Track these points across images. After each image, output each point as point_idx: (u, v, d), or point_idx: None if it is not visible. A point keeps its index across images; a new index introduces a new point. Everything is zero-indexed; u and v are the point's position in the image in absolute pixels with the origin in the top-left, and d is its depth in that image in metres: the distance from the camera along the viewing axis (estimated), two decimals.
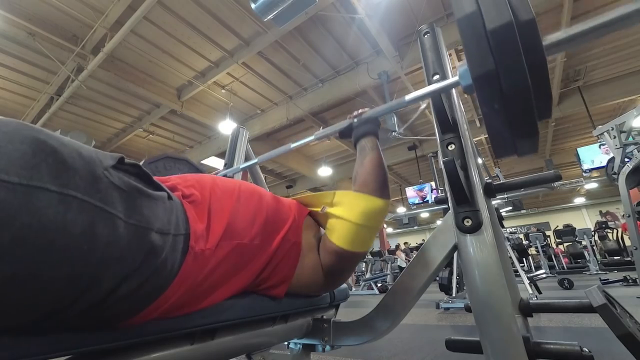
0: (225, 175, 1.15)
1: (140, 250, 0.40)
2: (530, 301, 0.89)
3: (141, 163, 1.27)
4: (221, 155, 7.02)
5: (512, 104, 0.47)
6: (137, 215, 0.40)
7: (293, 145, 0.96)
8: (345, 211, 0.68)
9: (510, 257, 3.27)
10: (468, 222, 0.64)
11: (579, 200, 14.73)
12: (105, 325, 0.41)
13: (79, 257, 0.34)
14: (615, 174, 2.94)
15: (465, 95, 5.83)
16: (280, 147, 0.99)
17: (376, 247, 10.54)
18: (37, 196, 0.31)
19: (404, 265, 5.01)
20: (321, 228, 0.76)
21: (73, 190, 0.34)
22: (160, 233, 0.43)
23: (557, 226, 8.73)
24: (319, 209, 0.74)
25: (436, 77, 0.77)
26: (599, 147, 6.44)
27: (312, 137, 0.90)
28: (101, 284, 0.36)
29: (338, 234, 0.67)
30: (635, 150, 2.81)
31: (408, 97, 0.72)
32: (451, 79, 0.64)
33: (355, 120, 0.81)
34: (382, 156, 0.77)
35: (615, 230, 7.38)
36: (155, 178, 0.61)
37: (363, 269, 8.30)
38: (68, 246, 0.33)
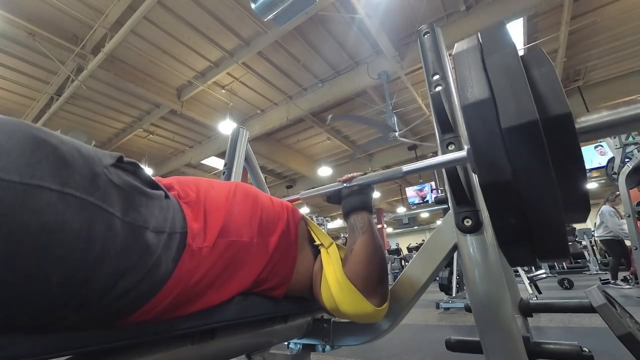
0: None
1: (136, 248, 0.40)
2: (530, 301, 0.89)
3: None
4: (221, 155, 7.02)
5: (535, 222, 0.37)
6: (134, 214, 0.40)
7: (286, 198, 0.91)
8: (336, 293, 0.60)
9: None
10: (468, 222, 0.64)
11: None
12: (104, 324, 0.41)
13: (75, 256, 0.34)
14: (615, 174, 2.95)
15: None
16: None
17: None
18: (38, 195, 0.31)
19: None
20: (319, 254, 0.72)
21: (72, 188, 0.34)
22: (155, 232, 0.43)
23: None
24: (316, 241, 0.72)
25: (436, 77, 0.77)
26: (595, 148, 6.44)
27: (296, 196, 0.85)
28: (97, 282, 0.36)
29: (326, 299, 0.62)
30: (635, 150, 2.81)
31: (405, 168, 0.64)
32: (459, 154, 0.56)
33: (345, 185, 0.72)
34: (376, 238, 0.66)
35: None
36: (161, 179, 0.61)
37: None
38: (65, 245, 0.33)
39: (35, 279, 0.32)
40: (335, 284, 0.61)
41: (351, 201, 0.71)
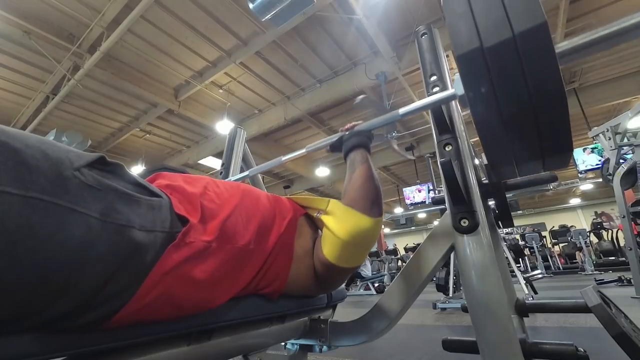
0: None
1: (123, 247, 0.39)
2: (527, 301, 0.89)
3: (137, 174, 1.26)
4: (218, 155, 7.00)
5: (512, 130, 0.42)
6: (115, 214, 0.40)
7: (284, 158, 0.96)
8: (336, 225, 0.65)
9: (507, 257, 3.28)
10: (465, 223, 0.64)
11: (575, 201, 14.83)
12: (99, 322, 0.40)
13: (47, 260, 0.33)
14: (610, 175, 2.97)
15: None
16: (272, 160, 1.00)
17: (373, 247, 10.56)
18: None
19: None
20: (319, 230, 0.76)
21: (38, 192, 0.33)
22: (145, 230, 0.42)
23: (553, 227, 8.79)
24: (314, 214, 0.73)
25: (433, 78, 0.77)
26: (583, 150, 6.46)
27: (303, 150, 0.89)
28: (80, 285, 0.36)
29: (328, 248, 0.65)
30: (630, 152, 2.84)
31: (402, 110, 0.71)
32: (448, 92, 0.64)
33: (346, 133, 0.80)
34: (372, 169, 0.73)
35: (610, 231, 7.44)
36: (156, 175, 0.61)
37: None
38: (34, 249, 0.32)
39: (6, 285, 0.31)
40: (336, 220, 0.65)
41: (350, 142, 0.78)
